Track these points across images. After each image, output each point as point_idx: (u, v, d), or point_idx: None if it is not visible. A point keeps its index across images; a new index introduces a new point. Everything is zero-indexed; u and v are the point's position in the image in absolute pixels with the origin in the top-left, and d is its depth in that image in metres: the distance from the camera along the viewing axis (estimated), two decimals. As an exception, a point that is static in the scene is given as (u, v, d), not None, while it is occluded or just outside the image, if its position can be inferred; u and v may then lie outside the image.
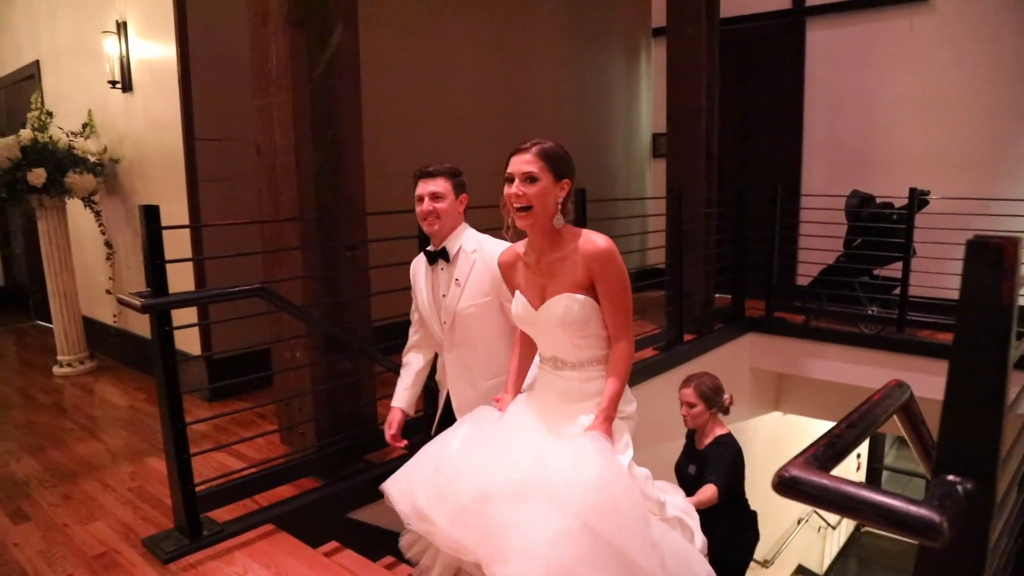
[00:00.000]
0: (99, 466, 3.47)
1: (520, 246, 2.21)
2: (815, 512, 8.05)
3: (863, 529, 10.57)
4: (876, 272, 5.87)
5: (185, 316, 3.39)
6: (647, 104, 7.96)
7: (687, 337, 5.38)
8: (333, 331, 3.03)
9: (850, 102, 6.58)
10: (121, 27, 4.53)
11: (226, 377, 3.91)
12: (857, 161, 6.55)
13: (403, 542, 2.22)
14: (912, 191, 5.44)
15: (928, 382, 2.24)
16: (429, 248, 2.65)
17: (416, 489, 2.06)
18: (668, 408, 3.92)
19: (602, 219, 3.97)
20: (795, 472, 0.87)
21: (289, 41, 2.89)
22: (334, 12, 2.99)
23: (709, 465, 3.19)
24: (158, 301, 2.47)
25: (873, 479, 11.35)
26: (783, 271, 6.42)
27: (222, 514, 2.81)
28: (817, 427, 7.85)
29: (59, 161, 4.68)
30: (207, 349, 4.29)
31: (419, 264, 2.72)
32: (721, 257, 5.97)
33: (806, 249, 6.36)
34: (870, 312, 5.73)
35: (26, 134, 4.63)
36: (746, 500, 3.37)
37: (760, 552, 7.10)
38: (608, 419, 2.02)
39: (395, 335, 3.06)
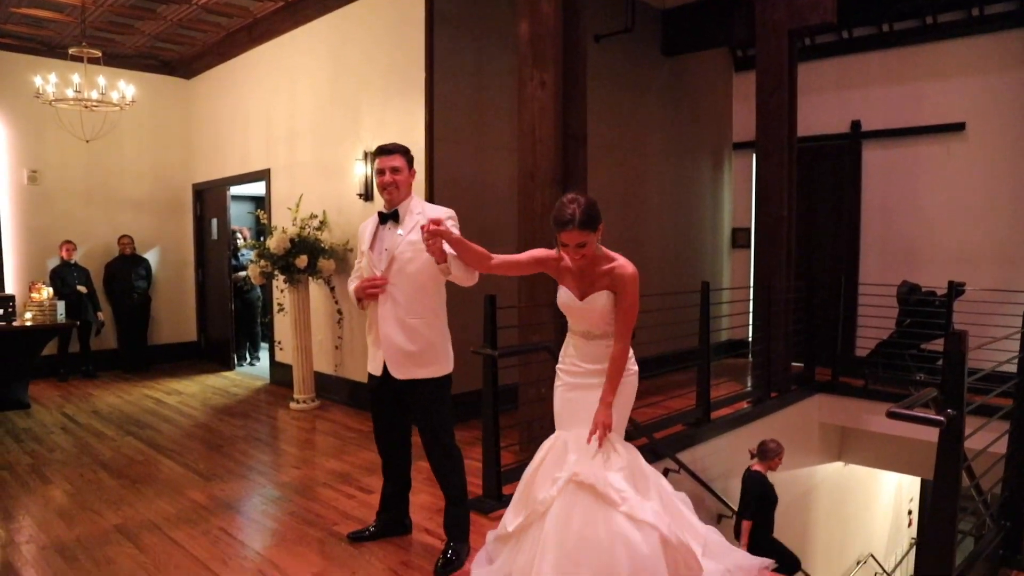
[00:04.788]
0: (388, 465, 5.37)
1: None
2: (871, 556, 9.73)
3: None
4: (923, 346, 7.76)
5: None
6: (728, 203, 10.07)
7: (772, 394, 7.26)
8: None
9: (899, 208, 8.61)
10: (368, 155, 6.67)
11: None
12: (905, 256, 8.54)
13: None
14: (950, 283, 7.36)
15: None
16: (382, 211, 3.28)
17: None
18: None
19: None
20: (896, 409, 2.81)
21: (549, 191, 4.94)
22: (573, 173, 5.07)
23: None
24: (493, 352, 4.44)
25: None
26: (846, 344, 8.32)
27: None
28: (872, 475, 9.60)
29: (313, 249, 6.77)
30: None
31: (368, 224, 3.36)
32: (796, 332, 7.88)
33: (864, 327, 8.32)
34: (918, 378, 7.60)
35: (292, 230, 6.75)
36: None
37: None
38: (609, 405, 2.91)
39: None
